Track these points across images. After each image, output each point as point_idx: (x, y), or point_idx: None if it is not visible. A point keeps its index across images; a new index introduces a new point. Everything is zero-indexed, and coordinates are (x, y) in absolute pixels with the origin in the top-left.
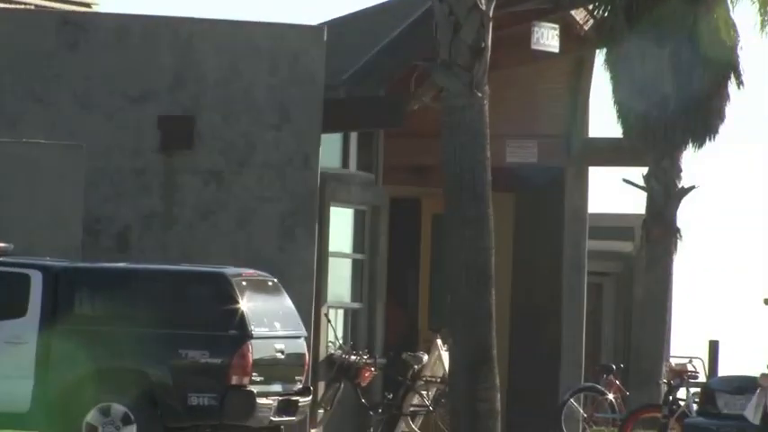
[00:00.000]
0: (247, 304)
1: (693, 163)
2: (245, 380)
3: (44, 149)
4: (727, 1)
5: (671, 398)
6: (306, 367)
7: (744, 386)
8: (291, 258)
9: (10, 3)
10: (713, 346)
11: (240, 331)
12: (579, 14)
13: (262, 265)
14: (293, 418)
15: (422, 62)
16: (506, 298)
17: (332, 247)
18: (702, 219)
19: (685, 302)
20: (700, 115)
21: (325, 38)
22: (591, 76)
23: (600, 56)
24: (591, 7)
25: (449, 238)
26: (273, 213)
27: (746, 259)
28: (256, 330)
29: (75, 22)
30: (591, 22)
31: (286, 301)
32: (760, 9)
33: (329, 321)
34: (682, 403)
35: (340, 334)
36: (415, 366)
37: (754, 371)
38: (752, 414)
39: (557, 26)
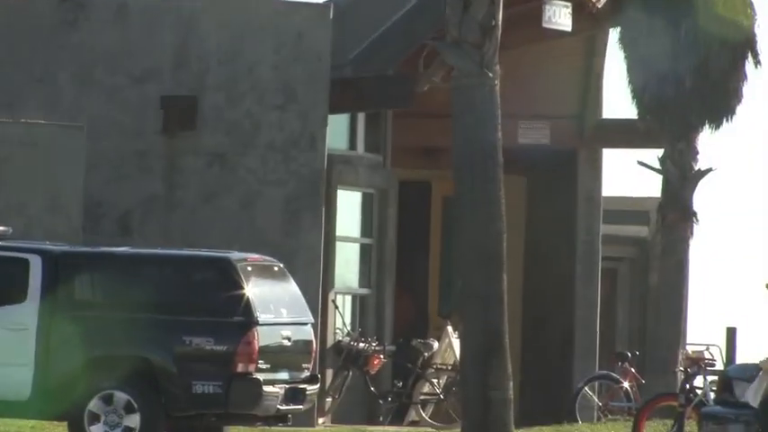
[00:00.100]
0: (253, 290)
1: (710, 145)
2: (251, 367)
3: (43, 130)
4: None
5: (687, 386)
6: (313, 355)
7: None
8: (297, 243)
9: None
10: (731, 333)
11: (246, 318)
12: None
13: (267, 249)
14: (300, 406)
15: (431, 40)
16: (518, 283)
17: (339, 232)
18: (720, 202)
19: (702, 288)
20: (716, 95)
21: (331, 15)
22: (604, 56)
23: (613, 35)
24: None
25: (459, 222)
26: (279, 196)
27: (765, 243)
28: (262, 317)
29: None
30: None
31: (292, 287)
32: None
33: (337, 307)
34: (699, 392)
35: (348, 320)
36: (426, 354)
37: None
38: (752, 397)
39: (569, 4)
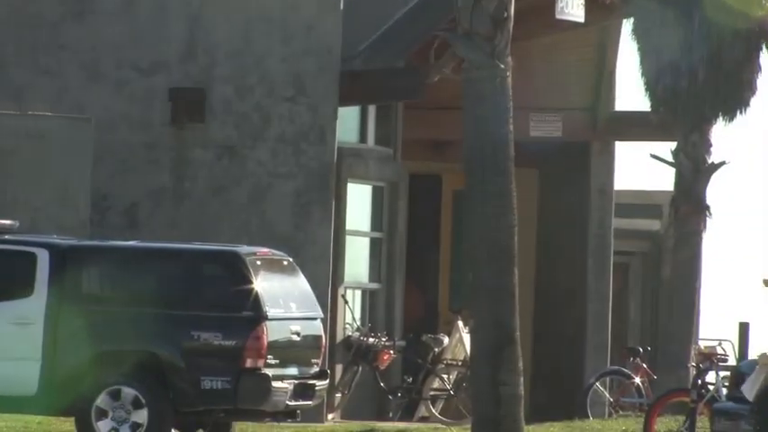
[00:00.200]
0: (262, 284)
1: (723, 137)
2: (260, 363)
3: (50, 122)
4: None
5: (700, 382)
6: (322, 350)
7: None
8: (307, 237)
9: None
10: (743, 329)
11: (254, 312)
12: None
13: (276, 243)
14: (310, 402)
15: (442, 32)
16: (530, 278)
17: (349, 225)
18: (733, 195)
19: (715, 283)
20: (730, 87)
21: (341, 6)
22: (617, 48)
23: (626, 26)
24: None
25: (470, 216)
26: (288, 190)
27: None
28: (271, 311)
29: None
30: None
31: (302, 282)
32: None
33: (346, 302)
34: (711, 387)
35: (358, 315)
36: (436, 349)
37: None
38: (749, 391)
39: None
